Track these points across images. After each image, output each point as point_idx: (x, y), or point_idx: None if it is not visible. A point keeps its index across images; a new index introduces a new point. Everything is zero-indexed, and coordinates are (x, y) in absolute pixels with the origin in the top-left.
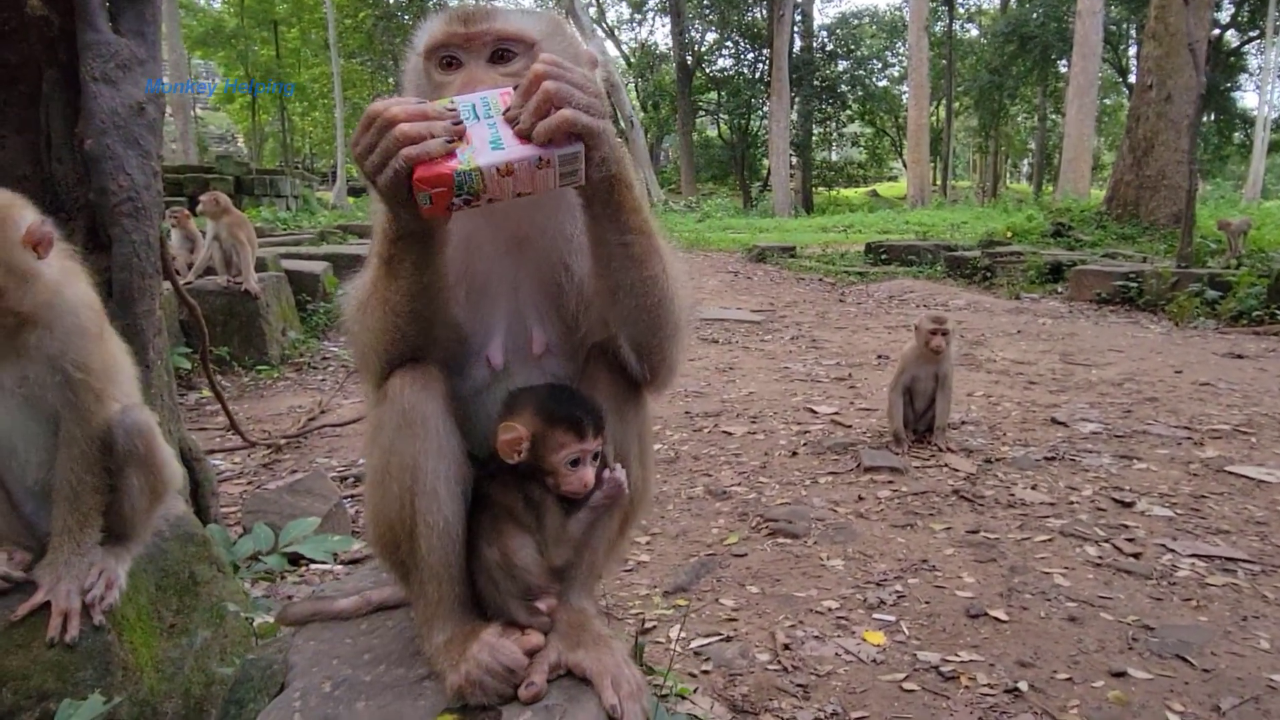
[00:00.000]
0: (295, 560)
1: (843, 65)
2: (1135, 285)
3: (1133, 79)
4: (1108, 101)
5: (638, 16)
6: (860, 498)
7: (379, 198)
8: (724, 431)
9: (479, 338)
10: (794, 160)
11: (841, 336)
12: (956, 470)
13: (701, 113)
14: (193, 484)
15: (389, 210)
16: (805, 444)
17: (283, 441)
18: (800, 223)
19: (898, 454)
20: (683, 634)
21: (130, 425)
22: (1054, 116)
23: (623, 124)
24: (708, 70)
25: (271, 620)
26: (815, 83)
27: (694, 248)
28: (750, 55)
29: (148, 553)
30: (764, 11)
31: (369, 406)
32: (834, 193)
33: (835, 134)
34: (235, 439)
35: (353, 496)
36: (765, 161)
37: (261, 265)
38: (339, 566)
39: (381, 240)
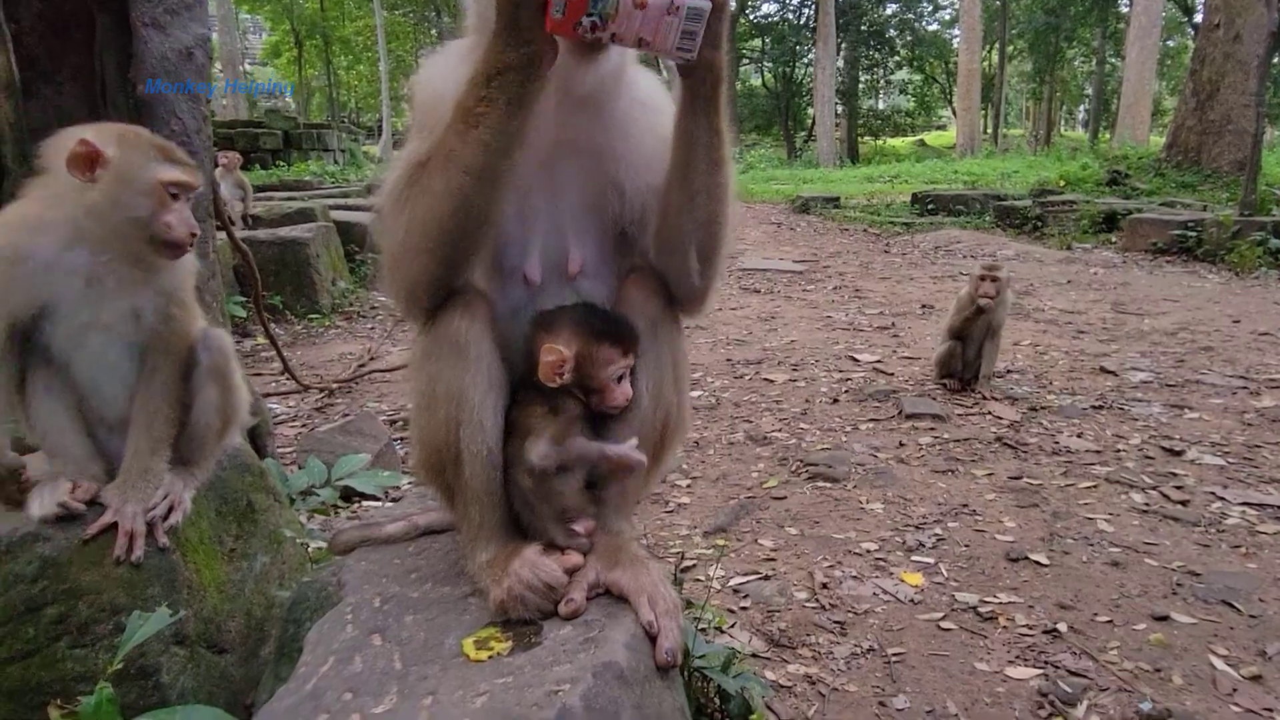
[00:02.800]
0: (347, 496)
1: (891, 9)
2: (1194, 235)
3: (1198, 18)
4: (1170, 43)
5: None
6: (901, 444)
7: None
8: (765, 379)
9: (517, 250)
10: (839, 109)
11: (885, 287)
12: (1000, 418)
13: (744, 61)
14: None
15: (510, 16)
16: (846, 391)
17: (335, 386)
18: (845, 173)
19: (943, 400)
20: (721, 572)
21: (213, 343)
22: (1113, 60)
23: (664, 73)
24: (751, 17)
25: (325, 547)
26: (862, 28)
27: (736, 199)
28: (795, 0)
29: (208, 481)
30: None
31: (413, 332)
32: (880, 142)
33: (882, 81)
34: (289, 384)
35: (401, 439)
36: (810, 111)
37: (309, 215)
38: (389, 503)
39: (472, 85)
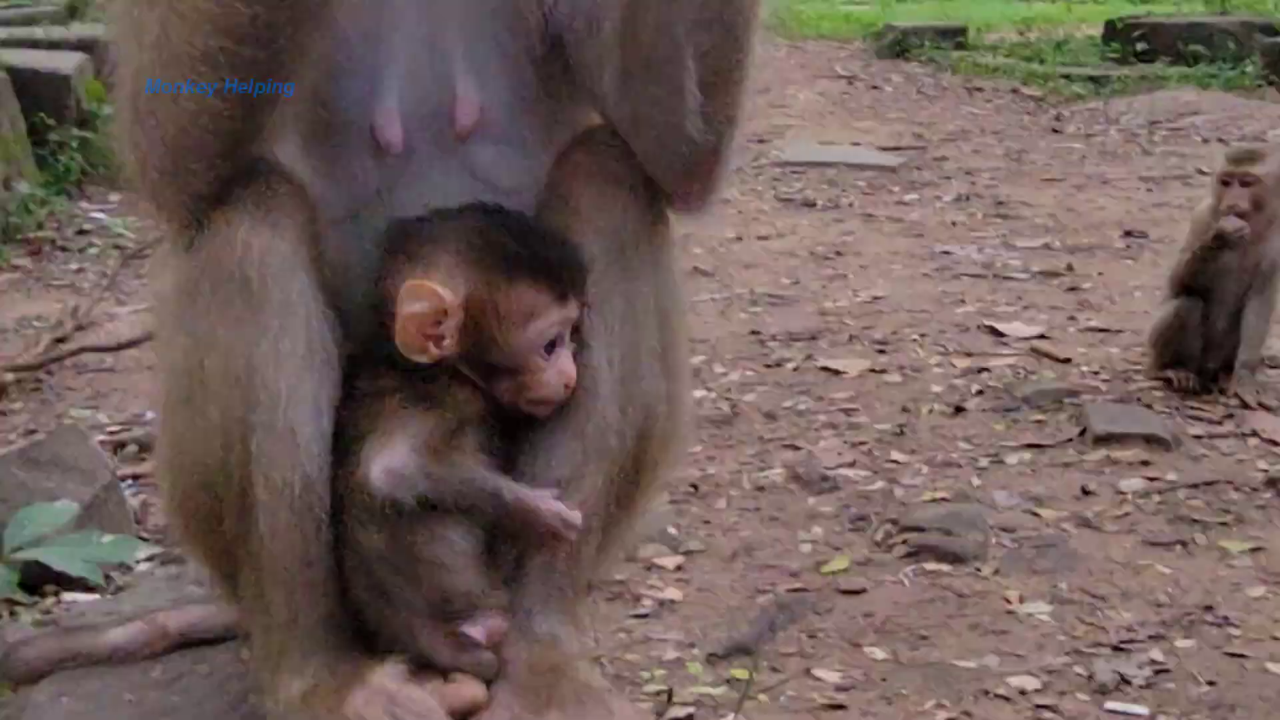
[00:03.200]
0: (35, 580)
1: None
2: None
3: None
4: None
5: None
6: (1086, 491)
7: None
8: (824, 368)
9: (360, 89)
10: None
11: (1054, 196)
12: (1274, 444)
13: None
14: None
15: None
16: (980, 392)
17: (10, 378)
18: None
19: (1165, 410)
20: None
21: None
22: None
23: None
24: None
25: None
26: None
27: (774, 33)
28: None
29: None
30: None
31: (167, 256)
32: None
33: None
34: None
35: (136, 477)
36: None
37: None
38: (112, 593)
39: None
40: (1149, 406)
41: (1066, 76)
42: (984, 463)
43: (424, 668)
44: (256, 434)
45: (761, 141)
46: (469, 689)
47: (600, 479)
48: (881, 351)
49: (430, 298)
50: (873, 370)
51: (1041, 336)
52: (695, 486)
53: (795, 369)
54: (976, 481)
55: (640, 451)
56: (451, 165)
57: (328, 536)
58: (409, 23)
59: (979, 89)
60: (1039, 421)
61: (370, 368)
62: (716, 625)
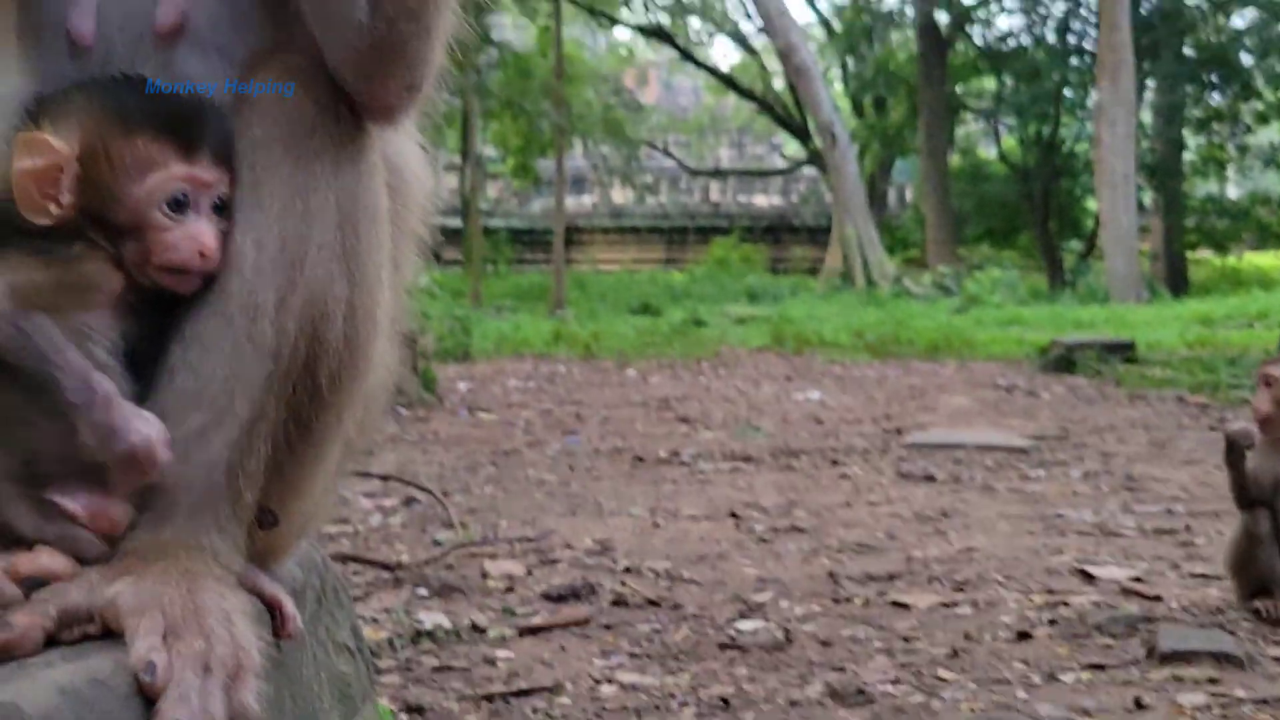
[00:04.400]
0: None
1: (1242, 18)
2: None
3: None
4: None
5: None
6: (1140, 704)
7: None
8: (895, 603)
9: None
10: (1146, 198)
11: (1192, 474)
12: None
13: (967, 116)
14: None
15: None
16: (1052, 621)
17: None
18: (1157, 310)
19: (1233, 630)
20: None
21: None
22: None
23: (816, 138)
24: (979, 36)
25: None
26: (1186, 51)
27: (937, 353)
28: (1057, 6)
29: None
30: None
31: None
32: (1226, 260)
33: (1230, 145)
34: None
35: None
36: (1089, 202)
37: None
38: None
39: None
40: (1225, 629)
41: (1234, 384)
42: (1036, 679)
43: (17, 546)
44: None
45: (898, 432)
46: (47, 558)
47: (259, 372)
48: (960, 588)
49: (43, 149)
50: (944, 605)
51: (1136, 580)
52: (725, 701)
53: (864, 604)
54: (1023, 695)
55: (312, 357)
56: (149, 68)
57: None
58: None
59: (1140, 396)
60: (1107, 646)
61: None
62: None
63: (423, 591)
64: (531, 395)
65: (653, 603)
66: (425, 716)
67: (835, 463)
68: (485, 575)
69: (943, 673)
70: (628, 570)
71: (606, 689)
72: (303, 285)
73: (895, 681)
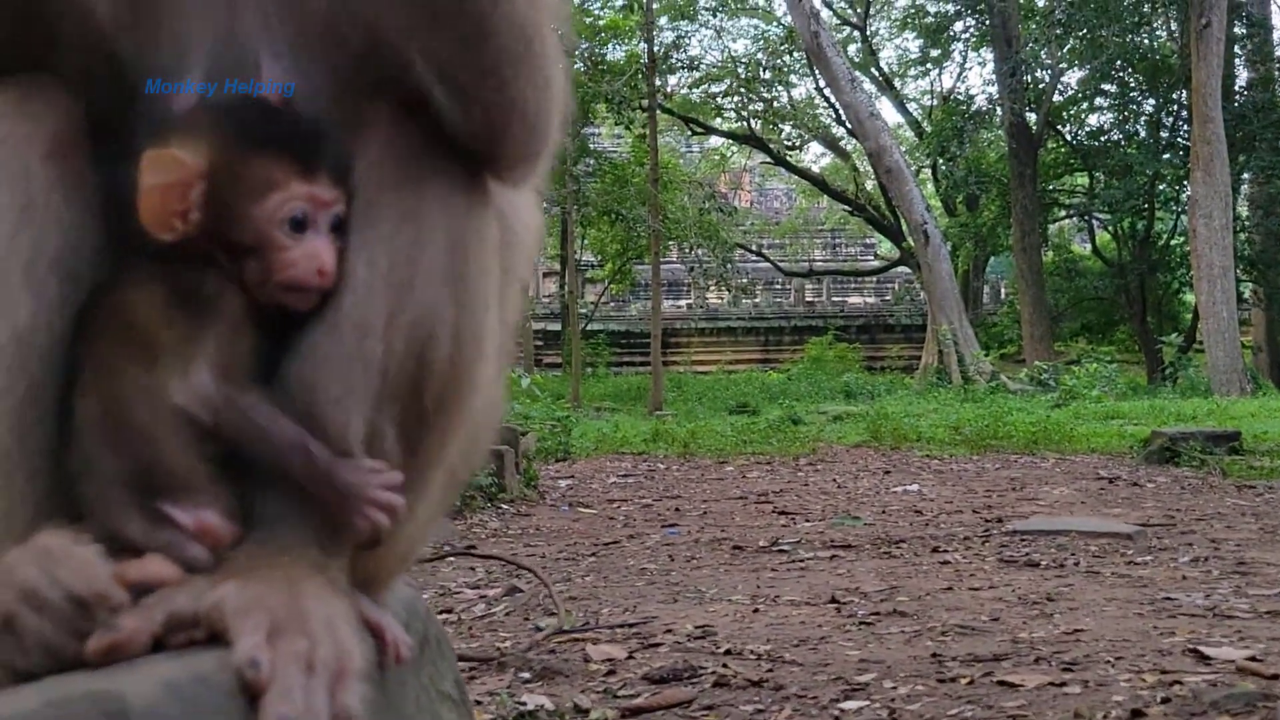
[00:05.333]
0: None
1: None
2: None
3: None
4: None
5: (934, 53)
6: None
7: None
8: (1001, 682)
9: (153, 58)
10: (1247, 289)
11: None
12: None
13: (1061, 213)
14: None
15: None
16: (1165, 700)
17: None
18: (1262, 403)
19: None
20: None
21: None
22: None
23: (909, 238)
24: (1069, 133)
25: None
26: None
27: (1036, 446)
28: (1148, 101)
29: None
30: (1171, 23)
31: None
32: None
33: None
34: None
35: None
36: (1187, 296)
37: None
38: None
39: None
40: None
41: None
42: None
43: (122, 550)
44: None
45: (999, 520)
46: (155, 565)
47: (367, 389)
48: (1069, 669)
49: (171, 166)
50: (1051, 684)
51: (1252, 659)
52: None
53: (969, 683)
54: None
55: (419, 378)
56: None
57: (49, 403)
58: (208, 12)
59: (1249, 486)
60: None
61: (137, 269)
62: None
63: (525, 675)
64: (631, 490)
65: (755, 683)
66: None
67: (936, 549)
68: (587, 659)
69: None
70: (729, 653)
71: None
72: (411, 305)
73: None
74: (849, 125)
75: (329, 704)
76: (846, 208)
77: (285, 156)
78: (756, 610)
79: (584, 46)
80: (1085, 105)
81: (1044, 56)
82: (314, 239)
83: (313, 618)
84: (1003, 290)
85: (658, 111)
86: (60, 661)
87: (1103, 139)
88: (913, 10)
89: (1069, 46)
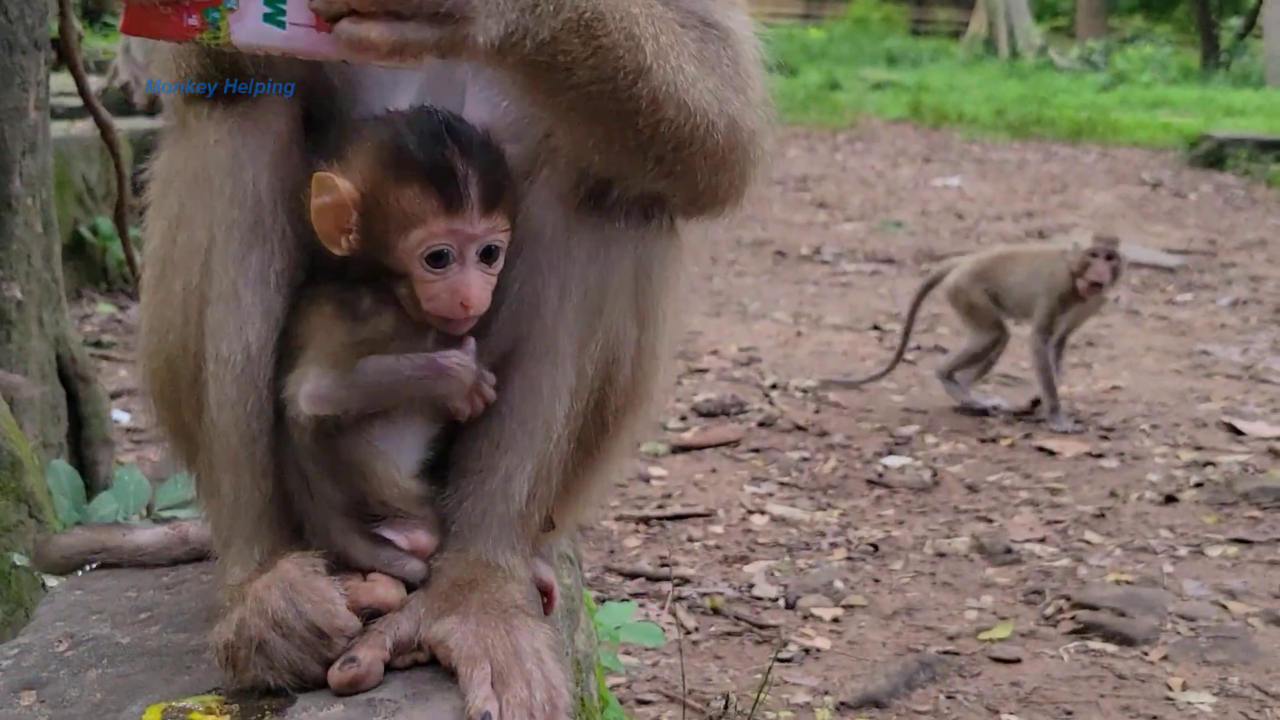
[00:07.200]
0: None
1: None
2: None
3: None
4: None
5: None
6: None
7: None
8: (1039, 448)
9: (366, 88)
10: None
11: None
12: None
13: None
14: (73, 416)
15: None
16: (1198, 485)
17: None
18: None
19: None
20: None
21: None
22: None
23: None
24: None
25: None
26: None
27: (1080, 137)
28: None
29: None
30: None
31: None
32: None
33: None
34: None
35: None
36: None
37: None
38: None
39: None
40: None
41: None
42: (1182, 552)
43: (351, 570)
44: (211, 305)
45: (1040, 235)
46: (382, 589)
47: (559, 410)
48: (1106, 436)
49: (330, 188)
50: (1089, 454)
51: None
52: (875, 546)
53: (1010, 445)
54: (1169, 569)
55: (604, 395)
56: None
57: (269, 418)
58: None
59: None
60: (1253, 518)
61: (317, 281)
62: (856, 676)
63: None
64: None
65: (800, 428)
66: (587, 535)
67: None
68: None
69: (1089, 535)
70: (775, 387)
71: (757, 520)
72: (600, 331)
73: (1042, 540)
74: None
75: None
76: None
77: (429, 191)
78: (800, 334)
79: None
80: None
81: None
82: (458, 273)
83: (527, 658)
84: None
85: None
86: (304, 681)
87: None
88: None
89: None
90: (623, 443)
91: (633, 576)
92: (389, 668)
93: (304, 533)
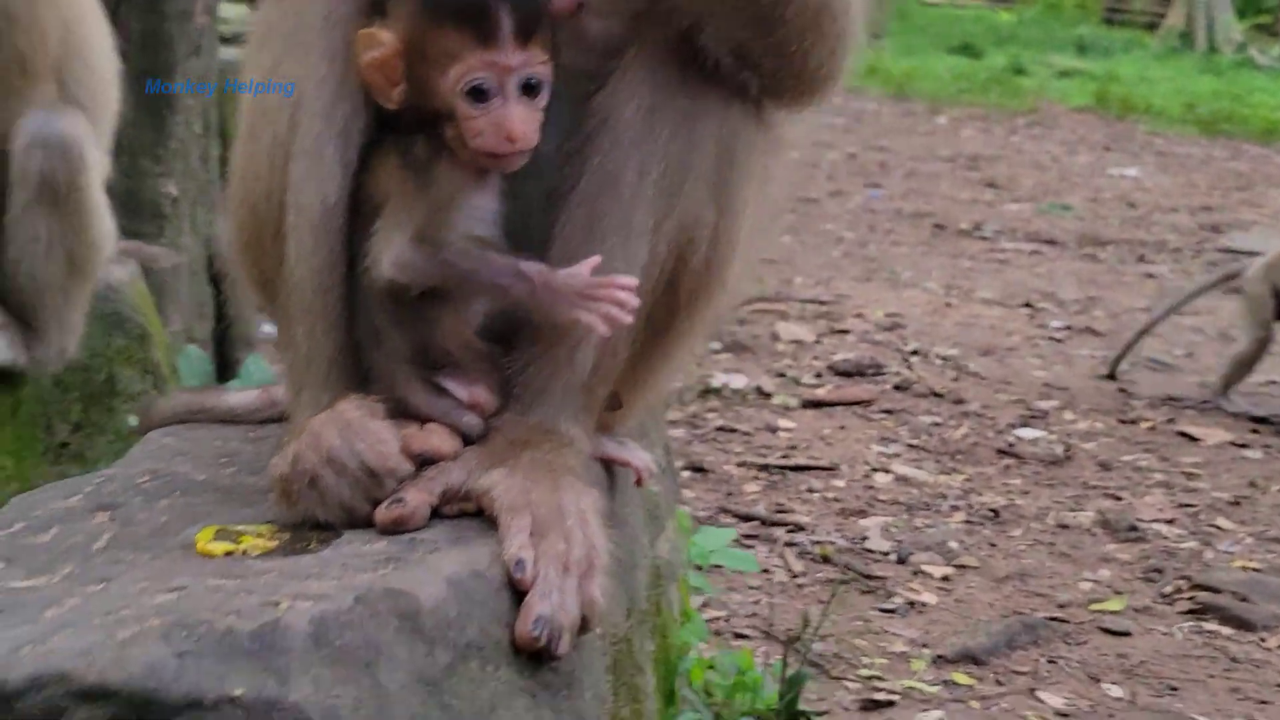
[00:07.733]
0: None
1: None
2: None
3: None
4: None
5: None
6: None
7: None
8: (1181, 433)
9: None
10: None
11: None
12: None
13: None
14: (218, 318)
15: None
16: None
17: None
18: None
19: None
20: None
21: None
22: None
23: None
24: None
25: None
26: None
27: (1273, 137)
28: None
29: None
30: None
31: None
32: None
33: None
34: None
35: None
36: None
37: None
38: None
39: None
40: None
41: None
42: None
43: (405, 415)
44: (295, 159)
45: (1215, 230)
46: (437, 438)
47: (637, 290)
48: (1255, 430)
49: (374, 43)
50: (1234, 443)
51: None
52: (996, 512)
53: (1150, 429)
54: None
55: (676, 276)
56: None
57: (343, 270)
58: None
59: None
60: None
61: (385, 137)
62: (958, 633)
63: (715, 344)
64: (837, 134)
65: (936, 394)
66: (706, 478)
67: (1142, 258)
68: (775, 338)
69: (1221, 521)
70: (915, 353)
71: (880, 478)
72: (677, 213)
73: (1170, 522)
74: None
75: (578, 599)
76: None
77: (462, 26)
78: (949, 305)
79: None
80: None
81: None
82: (500, 107)
83: (569, 515)
84: None
85: None
86: (353, 518)
87: None
88: None
89: None
90: (694, 327)
91: (747, 519)
92: (436, 515)
93: (370, 385)
